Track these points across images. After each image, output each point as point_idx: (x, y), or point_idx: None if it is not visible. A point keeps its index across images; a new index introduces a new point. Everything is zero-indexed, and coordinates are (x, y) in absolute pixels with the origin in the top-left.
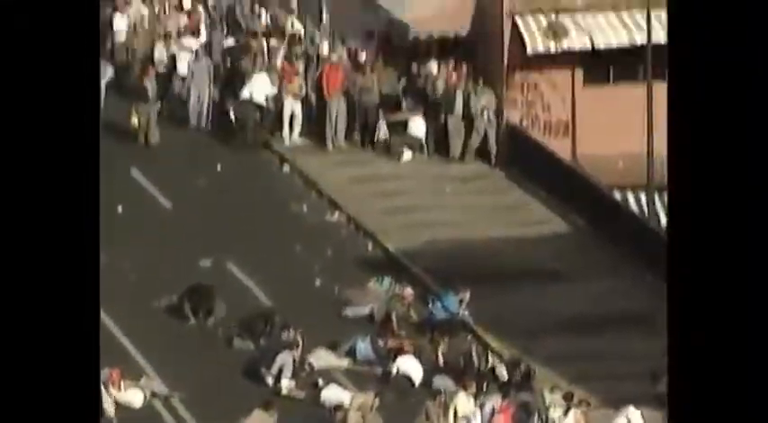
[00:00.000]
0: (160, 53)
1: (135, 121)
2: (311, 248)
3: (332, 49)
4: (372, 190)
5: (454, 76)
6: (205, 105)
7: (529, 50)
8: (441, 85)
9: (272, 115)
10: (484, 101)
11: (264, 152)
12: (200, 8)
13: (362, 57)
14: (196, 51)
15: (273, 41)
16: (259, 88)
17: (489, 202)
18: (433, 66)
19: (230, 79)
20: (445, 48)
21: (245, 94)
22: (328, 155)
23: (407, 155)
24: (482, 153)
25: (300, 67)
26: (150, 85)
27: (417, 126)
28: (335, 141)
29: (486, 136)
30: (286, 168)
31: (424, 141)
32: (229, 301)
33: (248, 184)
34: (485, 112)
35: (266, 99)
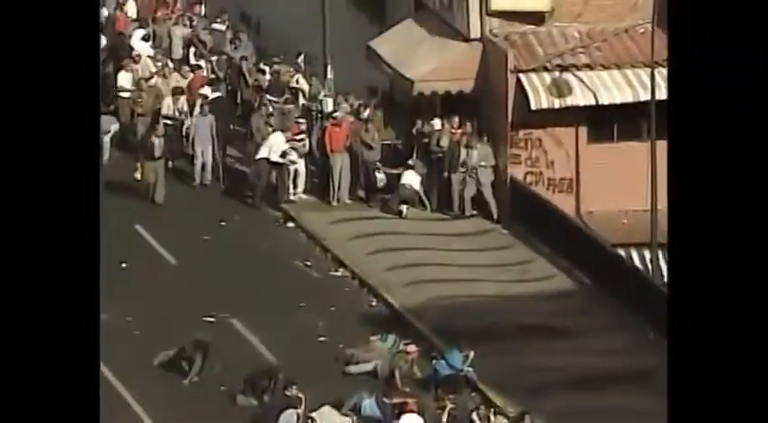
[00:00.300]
0: (167, 109)
1: (139, 176)
2: (315, 305)
3: (336, 105)
4: (377, 246)
5: (458, 132)
6: (209, 162)
7: (533, 107)
8: (444, 141)
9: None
10: (487, 157)
11: (269, 209)
12: (204, 64)
13: (365, 113)
14: (201, 106)
15: (276, 98)
16: (276, 147)
17: (493, 258)
18: (437, 122)
19: (235, 137)
20: (449, 104)
21: (262, 153)
22: (332, 211)
23: (404, 209)
24: (485, 209)
25: (304, 124)
26: (158, 141)
27: (411, 179)
28: (339, 197)
29: (489, 192)
30: (290, 224)
31: (421, 194)
32: (233, 358)
33: (253, 240)
34: (488, 169)
35: (283, 157)
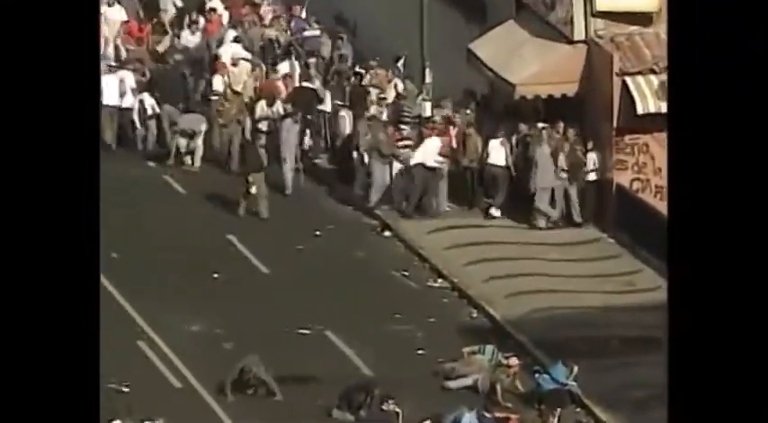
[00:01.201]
0: (262, 112)
1: (254, 189)
2: (413, 316)
3: (434, 110)
4: (475, 255)
5: (562, 137)
6: (300, 168)
7: (639, 111)
8: (546, 149)
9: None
10: (592, 163)
11: (365, 217)
12: (299, 68)
13: (462, 118)
14: (288, 114)
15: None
16: (431, 152)
17: (598, 268)
18: (540, 128)
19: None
20: (552, 109)
21: (417, 158)
22: (429, 219)
23: (493, 211)
24: (590, 217)
25: (407, 130)
26: (263, 150)
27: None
28: (438, 205)
29: (593, 200)
30: (387, 233)
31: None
32: (328, 371)
33: (348, 249)
34: (592, 175)
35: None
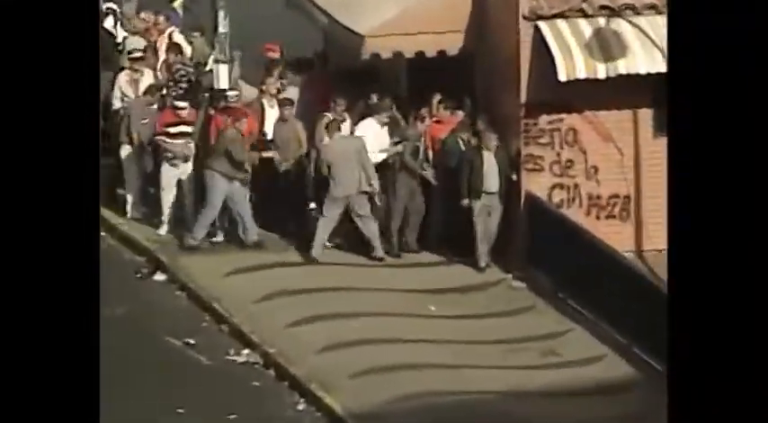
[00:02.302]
0: None
1: None
2: (204, 409)
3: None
4: (303, 311)
5: (439, 122)
6: None
7: (562, 77)
8: (413, 137)
9: None
10: (488, 162)
11: (126, 252)
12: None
13: (288, 93)
14: None
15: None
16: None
17: (498, 328)
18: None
19: None
20: (423, 75)
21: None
22: (232, 254)
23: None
24: (484, 249)
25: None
26: None
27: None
28: (247, 235)
29: (491, 220)
30: (160, 277)
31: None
32: None
33: (103, 303)
34: (489, 180)
35: None
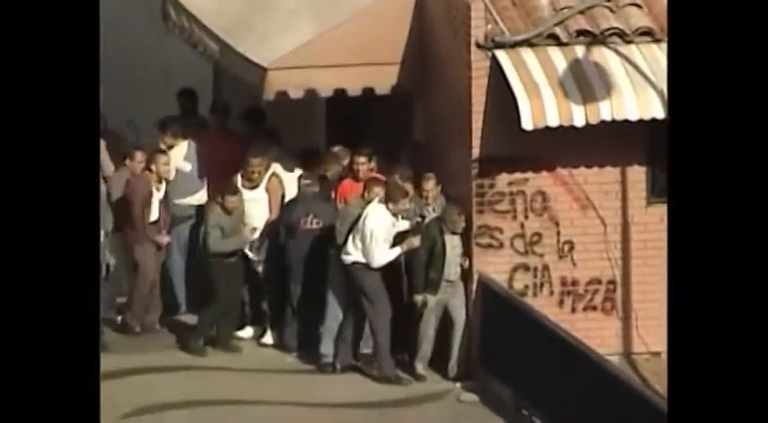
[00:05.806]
0: None
1: None
2: None
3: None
4: None
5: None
6: None
7: (527, 124)
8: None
9: None
10: (450, 244)
11: None
12: None
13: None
14: None
15: None
16: None
17: None
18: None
19: None
20: (347, 119)
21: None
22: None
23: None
24: (425, 353)
25: None
26: None
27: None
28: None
29: (434, 314)
30: None
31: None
32: None
33: None
34: (432, 263)
35: None
